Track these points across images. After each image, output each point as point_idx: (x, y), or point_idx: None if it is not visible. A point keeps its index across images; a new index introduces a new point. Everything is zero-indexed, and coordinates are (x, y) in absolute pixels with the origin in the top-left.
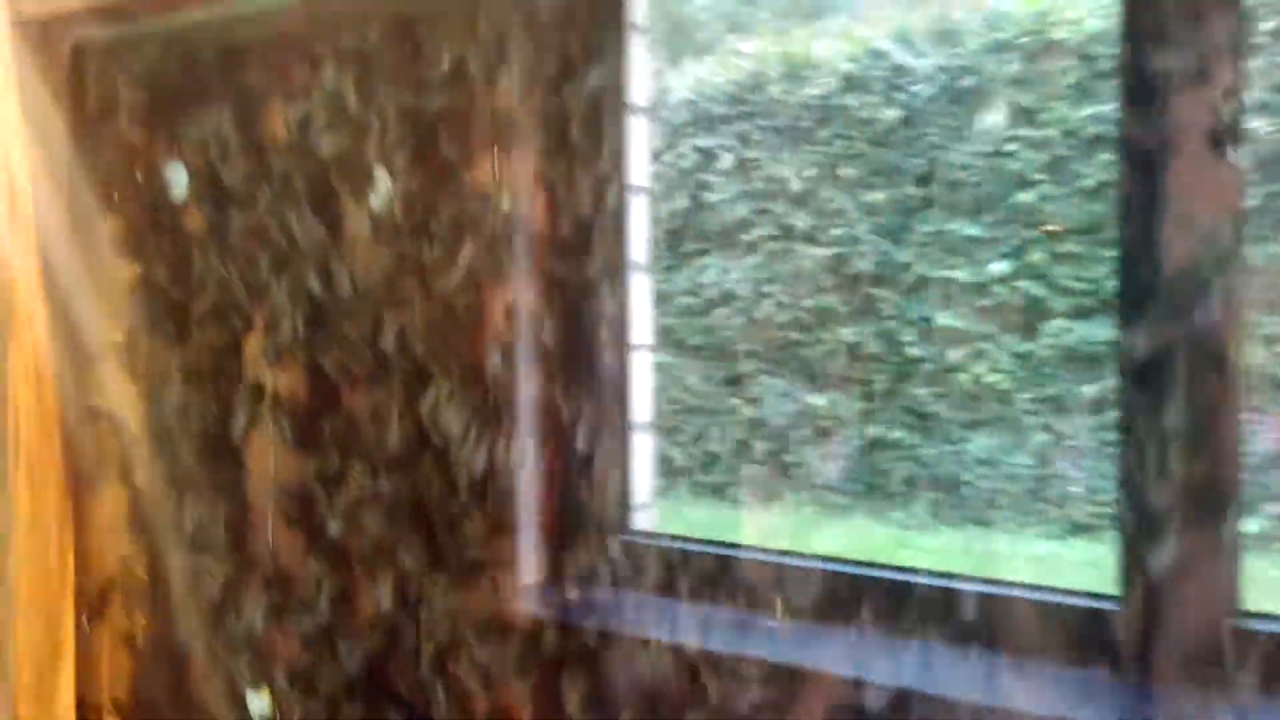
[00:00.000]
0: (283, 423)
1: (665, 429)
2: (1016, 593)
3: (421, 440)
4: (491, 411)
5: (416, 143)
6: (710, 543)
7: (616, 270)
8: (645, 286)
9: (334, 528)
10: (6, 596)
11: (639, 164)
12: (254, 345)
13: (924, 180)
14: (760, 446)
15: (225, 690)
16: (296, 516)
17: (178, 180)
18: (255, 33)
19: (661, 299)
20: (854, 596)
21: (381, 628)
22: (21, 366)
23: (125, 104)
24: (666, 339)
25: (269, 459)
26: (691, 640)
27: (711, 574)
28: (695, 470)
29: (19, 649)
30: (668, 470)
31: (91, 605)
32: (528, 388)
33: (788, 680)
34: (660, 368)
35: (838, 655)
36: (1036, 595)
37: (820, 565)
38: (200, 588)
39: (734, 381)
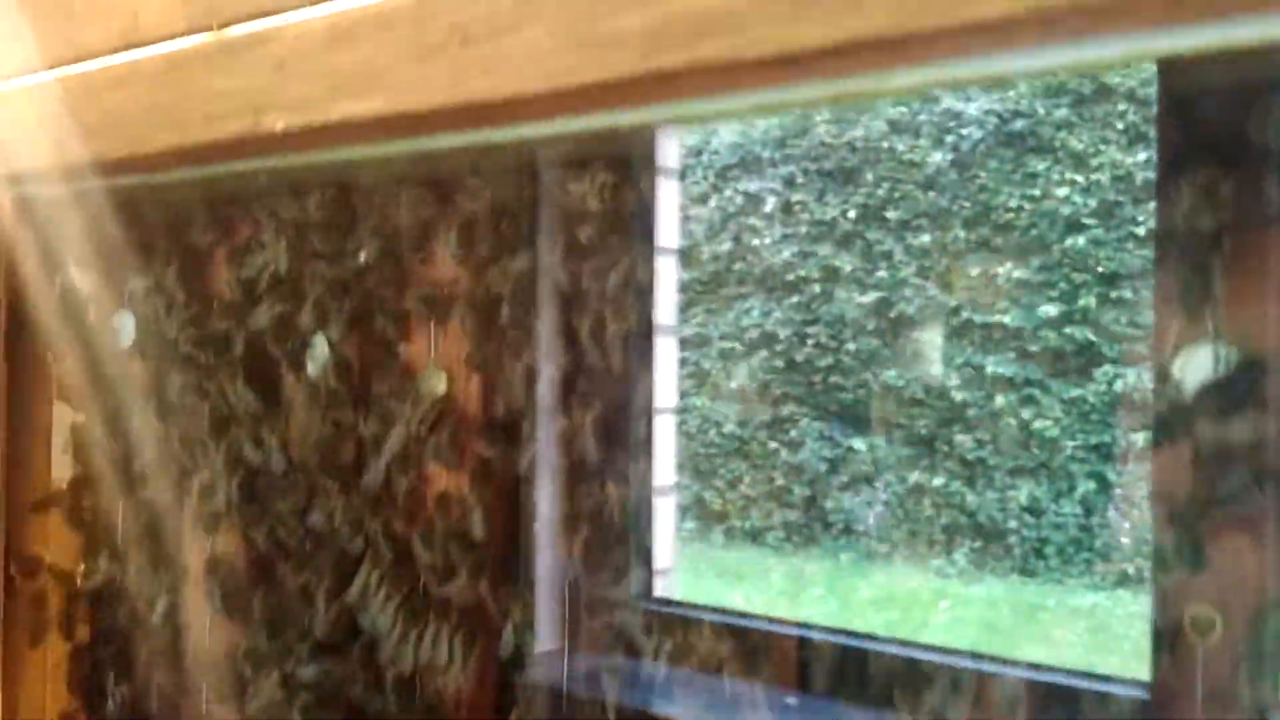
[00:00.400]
0: (215, 593)
1: (701, 473)
2: (1049, 677)
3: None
4: (422, 606)
5: (352, 313)
6: (730, 613)
7: (645, 333)
8: (670, 349)
9: (256, 710)
10: None
11: (668, 226)
12: (192, 507)
13: (972, 224)
14: (798, 491)
15: None
16: (228, 693)
17: (125, 329)
18: (201, 194)
19: (700, 342)
20: (876, 673)
21: None
22: None
23: (72, 256)
24: (703, 383)
25: (204, 628)
26: (703, 716)
27: (730, 646)
28: (731, 515)
29: None
30: (702, 514)
31: None
32: (549, 427)
33: None
34: (697, 411)
35: None
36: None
37: (843, 640)
38: None
39: (773, 425)
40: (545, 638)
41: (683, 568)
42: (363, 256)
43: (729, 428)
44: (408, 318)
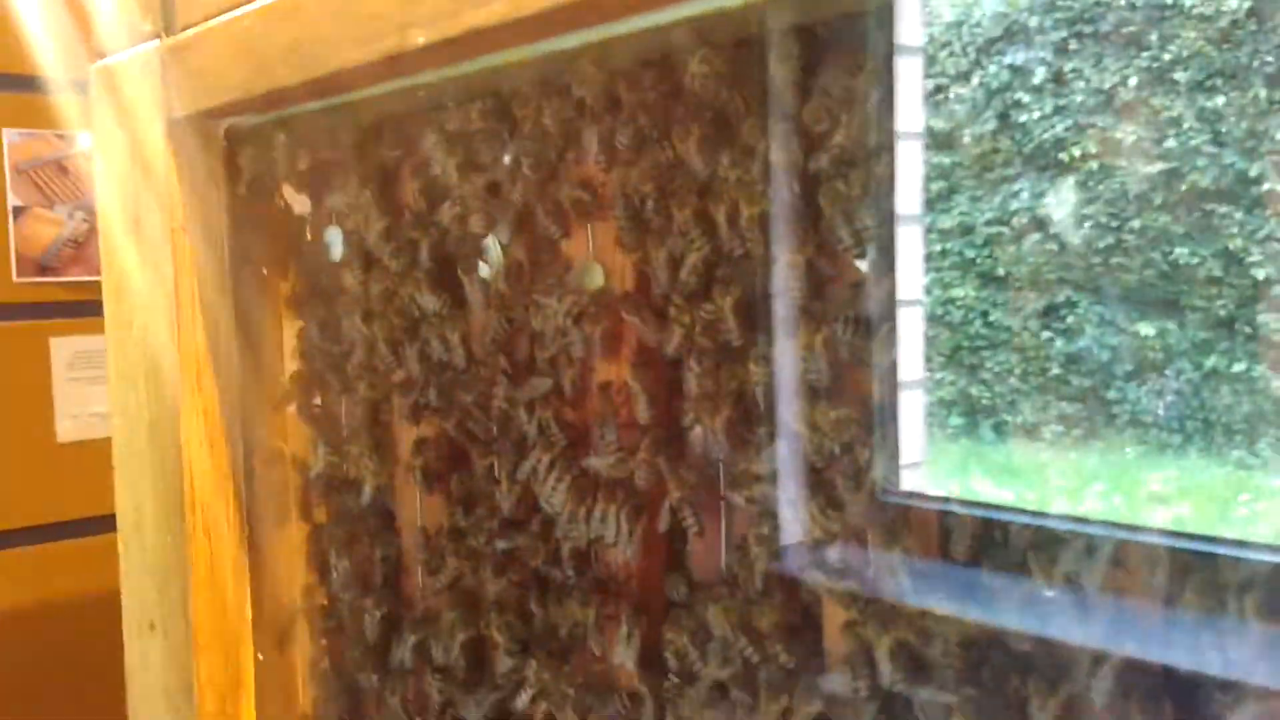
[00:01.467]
0: (418, 475)
1: (967, 366)
2: None
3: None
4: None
5: (519, 215)
6: (981, 505)
7: (884, 223)
8: (916, 238)
9: (454, 578)
10: (189, 636)
11: (910, 108)
12: (397, 403)
13: (1275, 80)
14: (1077, 382)
15: (391, 716)
16: (432, 564)
17: (335, 243)
18: (383, 113)
19: (964, 230)
20: (1144, 565)
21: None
22: (195, 434)
23: (282, 178)
24: (969, 272)
25: (414, 508)
26: (951, 607)
27: (982, 538)
28: (1001, 409)
29: (202, 682)
30: (970, 409)
31: (277, 634)
32: (783, 318)
33: (1056, 655)
34: (960, 302)
35: (1118, 632)
36: None
37: (1105, 531)
38: (363, 623)
39: (1047, 313)
40: (789, 530)
41: (948, 464)
42: (516, 160)
43: (996, 317)
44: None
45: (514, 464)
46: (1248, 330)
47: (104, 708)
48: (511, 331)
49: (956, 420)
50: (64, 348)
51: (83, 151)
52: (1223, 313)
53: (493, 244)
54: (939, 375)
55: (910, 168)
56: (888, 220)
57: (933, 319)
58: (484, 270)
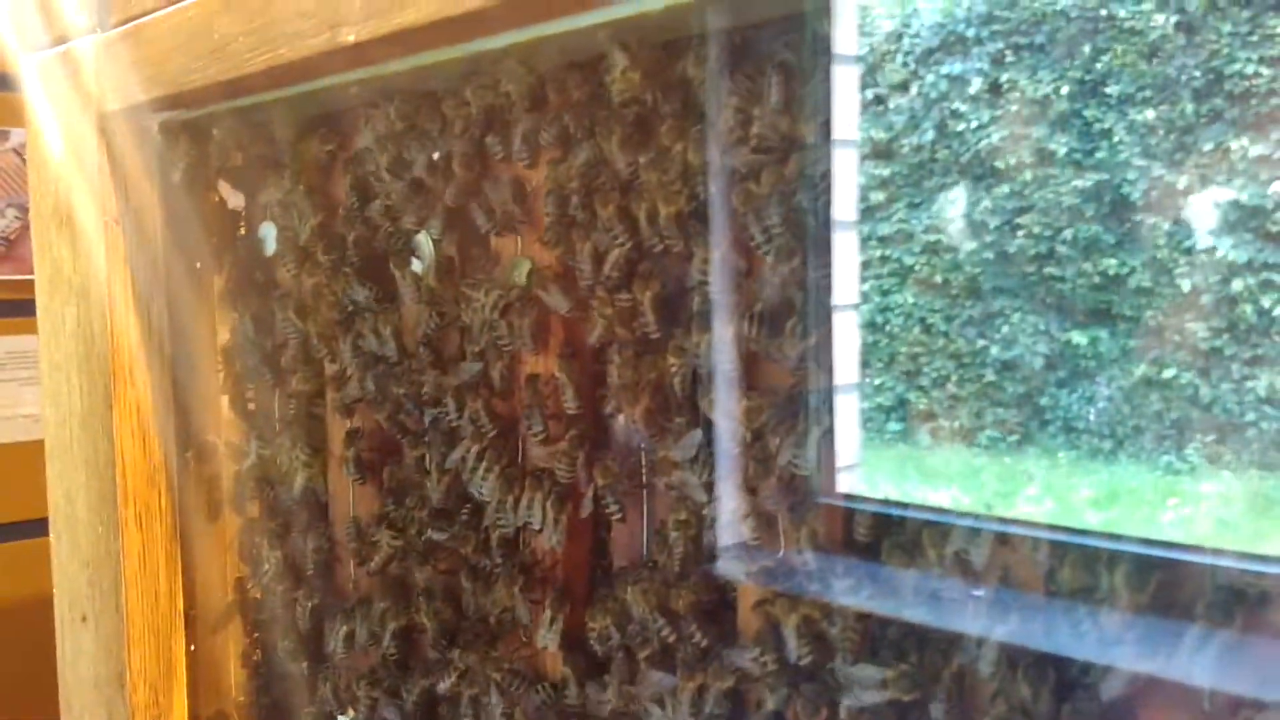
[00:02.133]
0: (350, 467)
1: (905, 372)
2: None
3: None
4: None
5: (449, 212)
6: (915, 506)
7: (822, 230)
8: (852, 244)
9: (385, 567)
10: (121, 627)
11: (846, 117)
12: (330, 397)
13: (1203, 95)
14: (1011, 389)
15: (319, 711)
16: (363, 554)
17: (268, 239)
18: (315, 111)
19: (903, 238)
20: (1067, 564)
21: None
22: (126, 426)
23: (216, 173)
24: (907, 279)
25: (346, 501)
26: (883, 606)
27: (916, 539)
28: (938, 415)
29: (134, 672)
30: (907, 415)
31: (209, 625)
32: (721, 321)
33: (986, 653)
34: (900, 310)
35: (1042, 629)
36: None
37: (1032, 532)
38: (295, 613)
39: (982, 320)
40: (726, 534)
41: (884, 469)
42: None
43: (934, 324)
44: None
45: (444, 454)
46: (1176, 338)
47: (35, 708)
48: (442, 325)
49: (894, 426)
50: None
51: (15, 148)
52: (1152, 321)
53: (424, 239)
54: (878, 381)
55: (846, 175)
56: (824, 226)
57: (871, 326)
58: (416, 265)
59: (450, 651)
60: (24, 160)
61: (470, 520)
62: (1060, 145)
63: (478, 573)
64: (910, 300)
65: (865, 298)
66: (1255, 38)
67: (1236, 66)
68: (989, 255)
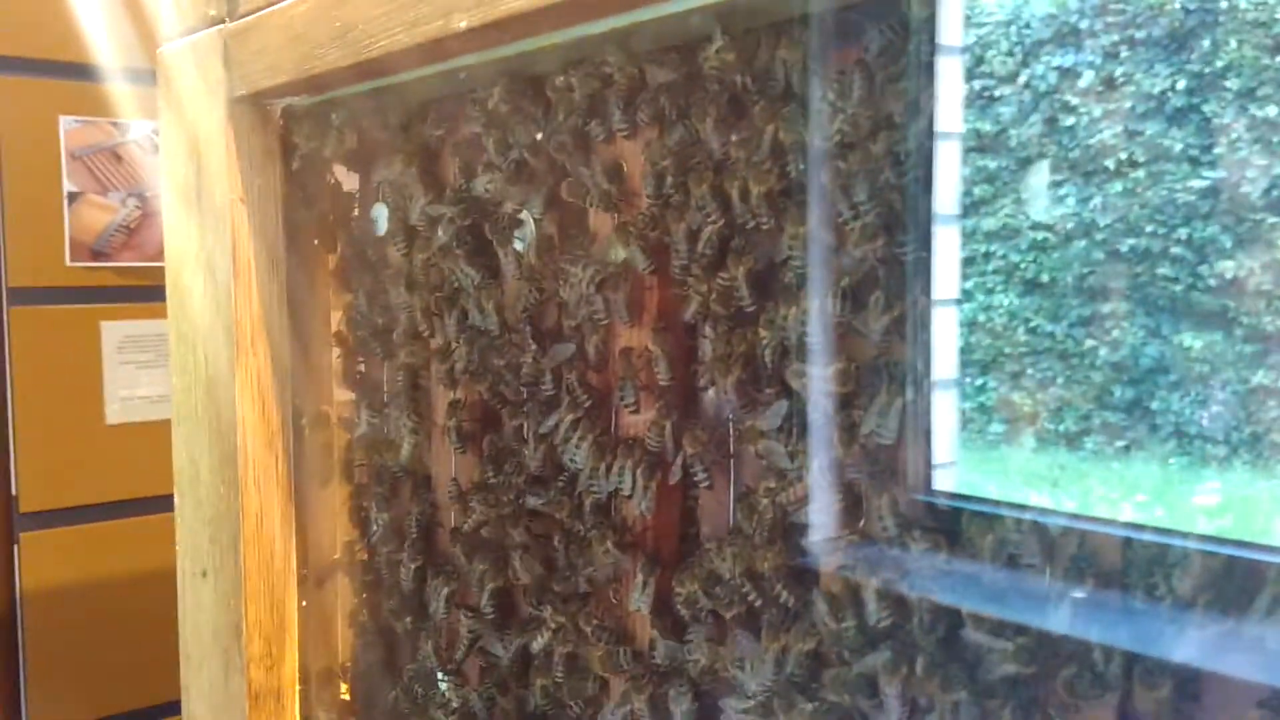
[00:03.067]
0: (453, 435)
1: (1009, 373)
2: None
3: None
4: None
5: (550, 190)
6: (1011, 505)
7: (922, 223)
8: (952, 239)
9: (483, 530)
10: (239, 582)
11: (949, 108)
12: (435, 368)
13: None
14: (1120, 392)
15: (421, 668)
16: (463, 519)
17: (380, 219)
18: (428, 94)
19: (1009, 234)
20: (1174, 569)
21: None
22: (247, 393)
23: (333, 156)
24: (1012, 277)
25: (448, 468)
26: (976, 605)
27: (1011, 538)
28: (1043, 418)
29: (250, 624)
30: (1011, 416)
31: (319, 583)
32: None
33: (1085, 656)
34: (1004, 308)
35: (1139, 633)
36: None
37: (1136, 534)
38: (400, 575)
39: (1091, 321)
40: (818, 526)
41: (986, 470)
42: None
43: (1039, 324)
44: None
45: (540, 423)
46: None
47: (149, 679)
48: (541, 300)
49: (997, 427)
50: (114, 331)
51: (137, 139)
52: (1270, 327)
53: (527, 218)
54: (980, 381)
55: (948, 168)
56: (925, 219)
57: (974, 324)
58: (518, 243)
59: (544, 610)
60: (144, 151)
61: (565, 487)
62: (1175, 141)
63: (571, 537)
64: (1015, 299)
65: (969, 295)
66: None
67: None
68: (1099, 254)
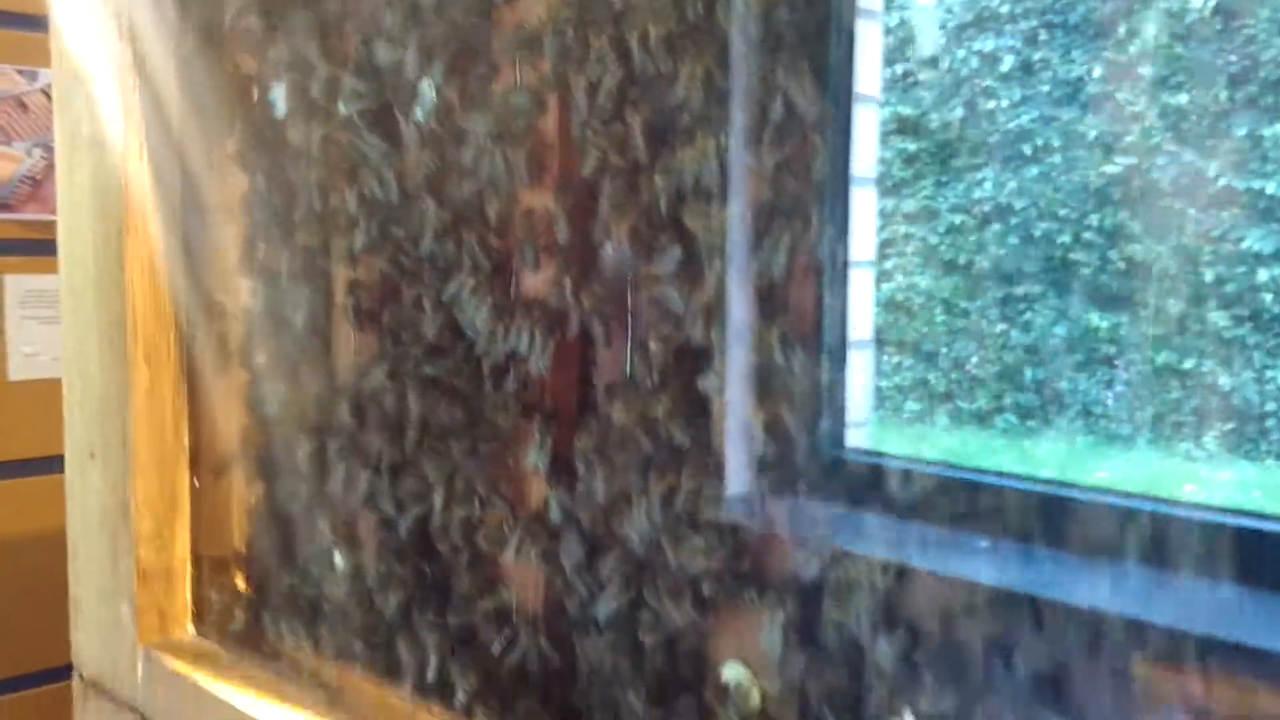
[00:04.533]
0: (350, 311)
1: (925, 353)
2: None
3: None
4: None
5: (451, 60)
6: (924, 462)
7: (838, 186)
8: (869, 201)
9: (393, 413)
10: (127, 461)
11: (868, 71)
12: (338, 245)
13: (1238, 80)
14: (1031, 373)
15: (320, 550)
16: (364, 395)
17: (278, 100)
18: None
19: (929, 215)
20: (1070, 519)
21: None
22: (137, 264)
23: (228, 36)
24: (931, 259)
25: (348, 348)
26: (890, 555)
27: (922, 493)
28: (957, 396)
29: (139, 502)
30: (926, 395)
31: (212, 471)
32: (739, 311)
33: (989, 600)
34: (922, 289)
35: (1047, 580)
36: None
37: (1038, 489)
38: (296, 461)
39: (1005, 303)
40: (734, 482)
41: (901, 448)
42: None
43: (957, 305)
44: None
45: (440, 291)
46: (1198, 328)
47: (48, 638)
48: (443, 166)
49: (913, 406)
50: (17, 286)
51: (43, 88)
52: (1175, 310)
53: (427, 86)
54: (897, 360)
55: (866, 132)
56: (842, 182)
57: (893, 304)
58: (419, 112)
59: (442, 479)
60: (50, 99)
61: (464, 353)
62: (1090, 128)
63: (469, 402)
64: (932, 281)
65: (888, 276)
66: None
67: (1272, 53)
68: (1014, 238)
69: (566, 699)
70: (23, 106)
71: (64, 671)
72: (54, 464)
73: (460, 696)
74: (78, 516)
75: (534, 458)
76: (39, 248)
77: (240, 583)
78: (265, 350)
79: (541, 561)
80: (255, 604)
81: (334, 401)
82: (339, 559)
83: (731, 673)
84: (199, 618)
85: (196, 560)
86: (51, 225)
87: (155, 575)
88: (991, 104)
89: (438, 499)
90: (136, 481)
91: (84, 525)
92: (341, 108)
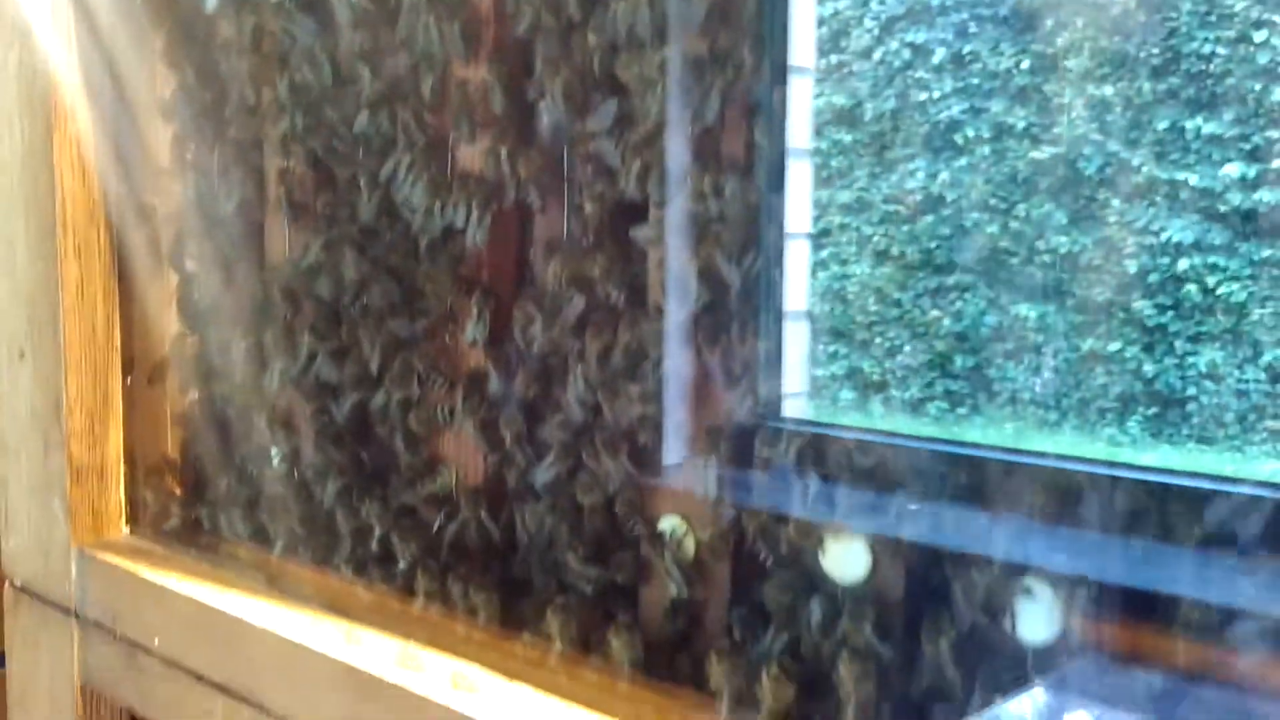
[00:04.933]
0: (283, 203)
1: (859, 342)
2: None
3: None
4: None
5: None
6: (856, 429)
7: (774, 153)
8: (804, 173)
9: (329, 299)
10: (59, 359)
11: (802, 43)
12: (270, 136)
13: (1160, 73)
14: (961, 360)
15: (256, 446)
16: (301, 289)
17: None
18: None
19: (863, 206)
20: (991, 478)
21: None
22: (67, 157)
23: None
24: (864, 248)
25: (282, 240)
26: (825, 517)
27: (855, 459)
28: (890, 385)
29: (70, 396)
30: (860, 383)
31: (147, 374)
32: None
33: (919, 556)
34: (856, 279)
35: (973, 538)
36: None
37: (964, 451)
38: (231, 360)
39: (936, 292)
40: (671, 450)
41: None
42: None
43: (890, 294)
44: None
45: (375, 172)
46: (1122, 315)
47: None
48: (376, 45)
49: (847, 394)
50: None
51: None
52: (1100, 298)
53: None
54: (832, 349)
55: (800, 104)
56: (779, 150)
57: (829, 294)
58: None
59: (380, 361)
60: None
61: (402, 233)
62: (1018, 119)
63: (406, 282)
64: (866, 270)
65: (824, 265)
66: (1213, 17)
67: (1194, 45)
68: (945, 229)
69: (508, 568)
70: None
71: None
72: None
73: (401, 569)
74: (7, 418)
75: (471, 331)
76: None
77: (175, 483)
78: (197, 250)
79: (481, 434)
80: (192, 503)
81: (268, 295)
82: (276, 453)
83: (667, 523)
84: (133, 519)
85: (130, 460)
86: None
87: (89, 473)
88: (923, 95)
89: (376, 382)
90: (69, 377)
91: (14, 426)
92: None
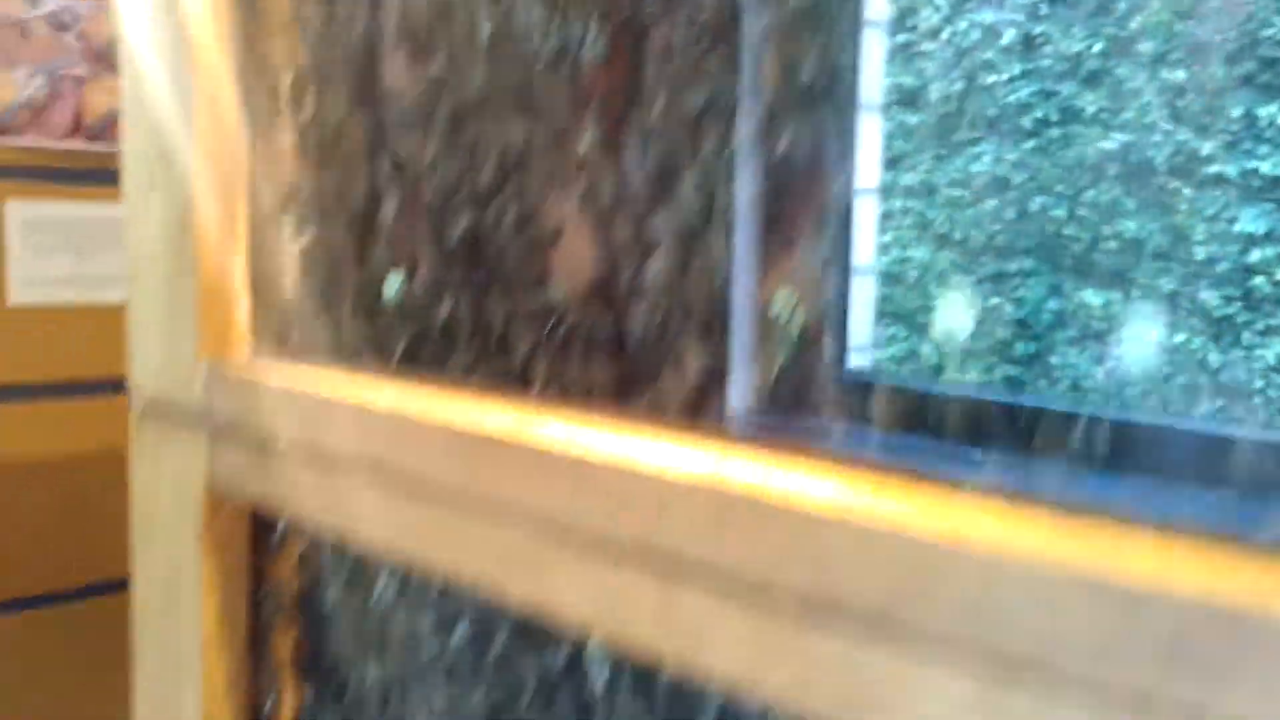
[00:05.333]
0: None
1: (919, 325)
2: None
3: None
4: None
5: None
6: (921, 380)
7: (847, 104)
8: (874, 128)
9: (445, 133)
10: (189, 193)
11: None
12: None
13: (1235, 59)
14: (1022, 347)
15: (371, 278)
16: (416, 125)
17: None
18: None
19: (927, 190)
20: (1064, 434)
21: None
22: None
23: None
24: (927, 232)
25: (394, 79)
26: (895, 462)
27: (917, 410)
28: (949, 369)
29: (198, 237)
30: (920, 367)
31: (268, 221)
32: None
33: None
34: (918, 263)
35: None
36: None
37: (1034, 403)
38: (348, 199)
39: (998, 277)
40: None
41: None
42: None
43: (951, 279)
44: None
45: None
46: (1189, 305)
47: (69, 566)
48: None
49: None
50: (17, 213)
51: (45, 16)
52: (1167, 287)
53: None
54: (892, 332)
55: (872, 58)
56: (850, 101)
57: (889, 277)
58: None
59: (496, 182)
60: (56, 30)
61: (519, 57)
62: (1088, 103)
63: (522, 105)
64: (929, 253)
65: (884, 250)
66: None
67: (1271, 31)
68: (1010, 213)
69: (623, 360)
70: (25, 33)
71: (69, 593)
72: (56, 390)
73: (517, 366)
74: (137, 241)
75: (585, 142)
76: (39, 174)
77: (299, 305)
78: (313, 98)
79: (594, 238)
80: (315, 323)
81: (380, 135)
82: (394, 277)
83: (781, 297)
84: (258, 336)
85: (255, 287)
86: (51, 153)
87: (216, 293)
88: (991, 78)
89: (490, 201)
90: (198, 205)
91: (143, 249)
92: None
